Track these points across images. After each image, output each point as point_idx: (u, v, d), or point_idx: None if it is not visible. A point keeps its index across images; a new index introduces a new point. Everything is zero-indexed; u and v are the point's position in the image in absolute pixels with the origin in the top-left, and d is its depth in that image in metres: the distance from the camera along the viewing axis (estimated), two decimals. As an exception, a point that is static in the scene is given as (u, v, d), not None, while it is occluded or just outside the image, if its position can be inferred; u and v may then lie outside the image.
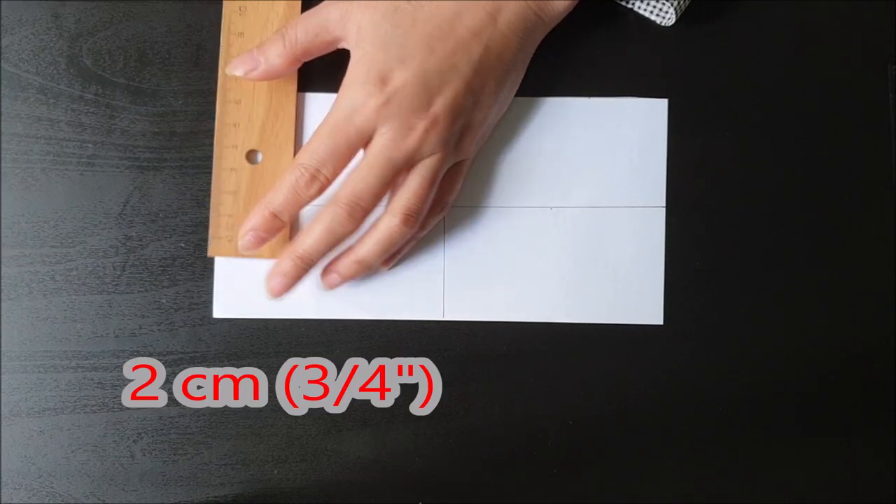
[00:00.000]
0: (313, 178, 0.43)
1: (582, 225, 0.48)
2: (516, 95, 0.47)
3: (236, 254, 0.46)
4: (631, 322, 0.48)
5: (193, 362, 0.47)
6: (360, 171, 0.43)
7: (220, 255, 0.47)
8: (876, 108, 0.48)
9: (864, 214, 0.49)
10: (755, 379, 0.49)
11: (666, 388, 0.49)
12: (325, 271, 0.46)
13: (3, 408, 0.47)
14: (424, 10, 0.43)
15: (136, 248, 0.47)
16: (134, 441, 0.47)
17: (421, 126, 0.43)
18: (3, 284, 0.47)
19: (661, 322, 0.48)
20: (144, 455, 0.47)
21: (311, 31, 0.44)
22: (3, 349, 0.47)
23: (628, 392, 0.48)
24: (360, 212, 0.43)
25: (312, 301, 0.48)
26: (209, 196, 0.47)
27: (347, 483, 0.48)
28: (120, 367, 0.47)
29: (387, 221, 0.44)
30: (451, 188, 0.46)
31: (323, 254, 0.45)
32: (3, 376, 0.47)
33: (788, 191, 0.48)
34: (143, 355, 0.47)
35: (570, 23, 0.46)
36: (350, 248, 0.46)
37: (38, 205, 0.47)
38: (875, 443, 0.49)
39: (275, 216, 0.44)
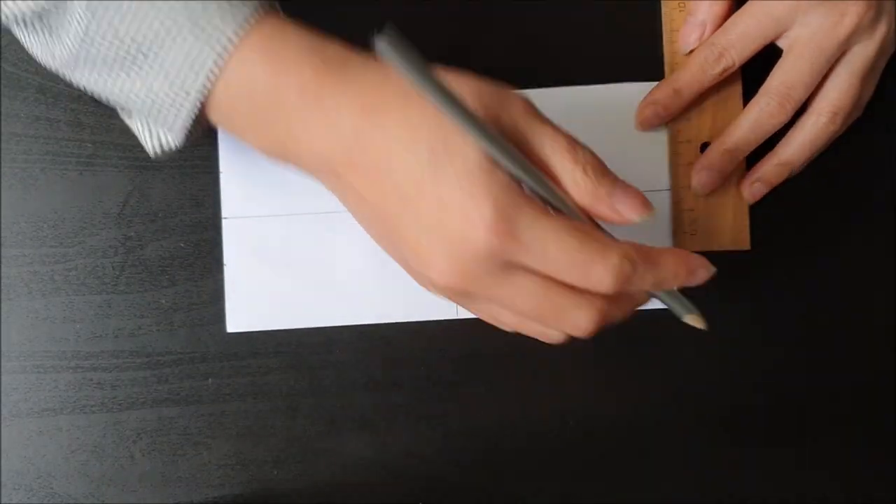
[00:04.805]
0: (720, 56, 0.44)
1: None
2: (513, 89, 0.47)
3: (699, 247, 0.47)
4: (645, 307, 0.48)
5: (193, 362, 0.47)
6: (790, 61, 0.43)
7: (684, 249, 0.46)
8: (876, 108, 0.48)
9: (865, 215, 0.49)
10: (760, 379, 0.49)
11: (666, 389, 0.48)
12: (747, 183, 0.47)
13: (2, 408, 0.47)
14: None
15: (135, 249, 0.47)
16: (133, 441, 0.47)
17: (853, 10, 0.42)
18: (2, 284, 0.47)
19: None
20: (144, 456, 0.47)
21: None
22: (2, 349, 0.47)
23: (628, 391, 0.48)
24: (790, 103, 0.43)
25: (327, 309, 0.47)
26: (208, 196, 0.47)
27: (347, 483, 0.48)
28: (119, 368, 0.47)
29: (812, 120, 0.44)
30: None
31: (751, 147, 0.45)
32: (2, 377, 0.47)
33: (789, 190, 0.48)
34: (142, 355, 0.47)
35: (571, 18, 0.47)
36: (771, 153, 0.46)
37: (37, 205, 0.47)
38: (877, 442, 0.49)
39: (677, 92, 0.45)
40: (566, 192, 0.36)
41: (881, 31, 0.43)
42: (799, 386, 0.49)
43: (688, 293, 0.39)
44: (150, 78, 0.36)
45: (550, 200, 0.35)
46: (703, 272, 0.37)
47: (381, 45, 0.30)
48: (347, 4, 0.47)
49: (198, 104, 0.36)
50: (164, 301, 0.47)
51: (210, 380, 0.47)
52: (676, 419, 0.48)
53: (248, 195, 0.47)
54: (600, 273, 0.33)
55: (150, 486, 0.47)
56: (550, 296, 0.35)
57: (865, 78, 0.44)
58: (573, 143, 0.36)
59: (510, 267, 0.34)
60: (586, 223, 0.36)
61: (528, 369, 0.48)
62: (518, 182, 0.34)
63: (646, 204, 0.36)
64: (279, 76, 0.35)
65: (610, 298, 0.35)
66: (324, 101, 0.35)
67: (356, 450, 0.48)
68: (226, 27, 0.35)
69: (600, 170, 0.36)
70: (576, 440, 0.48)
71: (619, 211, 0.36)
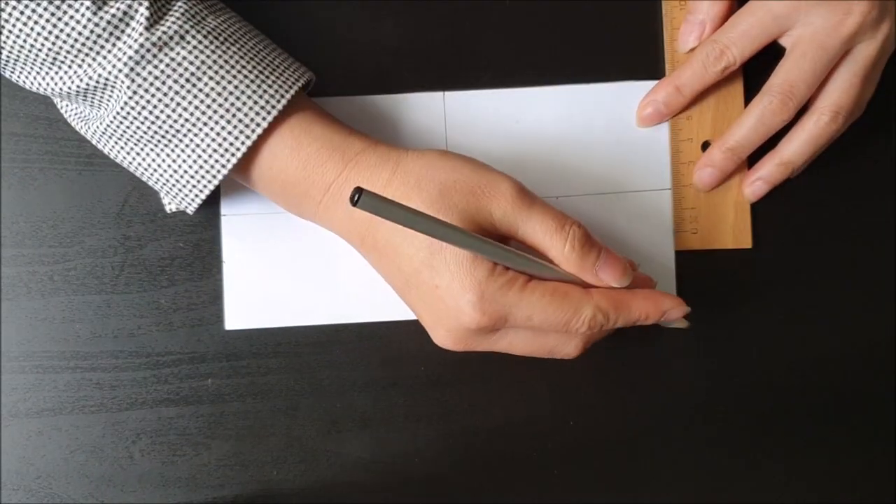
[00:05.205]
0: (721, 54, 0.44)
1: (588, 213, 0.48)
2: (515, 87, 0.47)
3: (701, 246, 0.48)
4: None
5: (192, 362, 0.47)
6: (792, 59, 0.43)
7: (686, 247, 0.48)
8: (876, 108, 0.47)
9: (865, 215, 0.49)
10: (760, 378, 0.48)
11: (666, 387, 0.48)
12: (749, 182, 0.47)
13: (2, 408, 0.47)
14: None
15: (134, 248, 0.47)
16: (133, 442, 0.47)
17: (857, 9, 0.42)
18: (2, 284, 0.47)
19: None
20: (143, 456, 0.47)
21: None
22: (2, 349, 0.47)
23: (629, 392, 0.48)
24: (793, 102, 0.44)
25: (326, 307, 0.47)
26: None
27: (347, 484, 0.47)
28: (119, 368, 0.47)
29: (814, 119, 0.44)
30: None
31: (753, 146, 0.46)
32: (2, 376, 0.47)
33: (790, 189, 0.48)
34: (141, 356, 0.47)
35: (571, 17, 0.46)
36: (773, 152, 0.46)
37: (36, 205, 0.47)
38: (877, 443, 0.49)
39: (678, 90, 0.46)
40: (554, 262, 0.40)
41: (884, 30, 0.43)
42: (800, 385, 0.49)
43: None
44: (179, 157, 0.40)
45: (532, 273, 0.40)
46: (675, 312, 0.41)
47: (360, 206, 0.33)
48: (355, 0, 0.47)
49: (214, 187, 0.41)
50: (163, 301, 0.47)
51: (210, 380, 0.47)
52: (677, 419, 0.48)
53: (247, 192, 0.47)
54: (576, 325, 0.39)
55: (150, 487, 0.47)
56: (539, 341, 0.41)
57: (867, 77, 0.44)
58: (561, 221, 0.40)
59: (500, 330, 0.40)
60: (566, 279, 0.40)
61: (528, 369, 0.48)
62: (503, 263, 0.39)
63: (625, 272, 0.40)
64: (307, 171, 0.40)
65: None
66: (343, 196, 0.40)
67: (356, 450, 0.48)
68: (257, 116, 0.39)
69: (587, 244, 0.40)
70: (576, 440, 0.48)
71: (601, 278, 0.40)
